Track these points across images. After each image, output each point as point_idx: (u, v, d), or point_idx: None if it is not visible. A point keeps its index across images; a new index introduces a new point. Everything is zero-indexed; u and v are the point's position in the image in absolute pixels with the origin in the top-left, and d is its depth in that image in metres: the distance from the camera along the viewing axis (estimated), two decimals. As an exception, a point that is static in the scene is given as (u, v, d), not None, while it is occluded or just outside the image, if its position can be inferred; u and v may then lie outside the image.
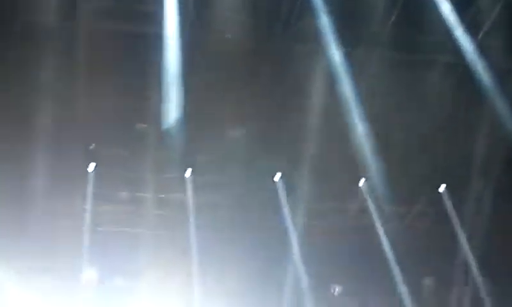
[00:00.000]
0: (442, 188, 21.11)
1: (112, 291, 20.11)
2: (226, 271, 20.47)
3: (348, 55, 18.48)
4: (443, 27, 18.22)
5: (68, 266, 19.56)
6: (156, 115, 18.00)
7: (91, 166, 19.63)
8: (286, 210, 20.57)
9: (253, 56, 18.87)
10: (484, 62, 18.11)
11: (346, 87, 18.56)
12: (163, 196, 20.44)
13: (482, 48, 18.30)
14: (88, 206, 19.61)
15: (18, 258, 18.03)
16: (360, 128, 18.88)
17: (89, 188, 19.63)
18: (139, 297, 19.87)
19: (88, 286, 20.01)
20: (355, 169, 20.34)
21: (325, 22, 18.05)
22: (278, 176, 20.62)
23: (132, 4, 17.99)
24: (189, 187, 20.24)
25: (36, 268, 19.07)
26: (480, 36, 18.65)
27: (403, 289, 20.43)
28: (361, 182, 21.05)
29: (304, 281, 20.42)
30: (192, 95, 18.02)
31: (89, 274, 20.23)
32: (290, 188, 20.72)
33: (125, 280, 20.36)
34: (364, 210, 21.05)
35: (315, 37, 18.27)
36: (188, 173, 20.29)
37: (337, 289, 21.44)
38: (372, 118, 18.82)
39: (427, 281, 21.54)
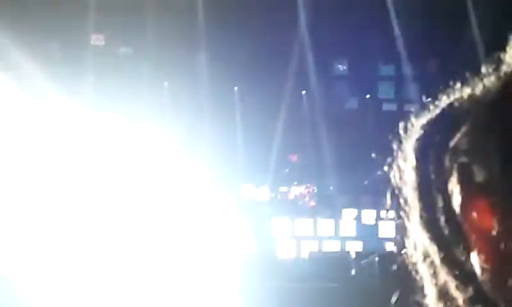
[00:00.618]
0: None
1: (117, 59, 20.20)
2: (234, 50, 20.32)
3: None
4: None
5: (75, 32, 19.52)
6: None
7: None
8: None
9: None
10: None
11: None
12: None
13: None
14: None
15: (23, 27, 17.87)
16: None
17: None
18: (143, 65, 19.96)
19: (94, 53, 20.08)
20: None
21: None
22: None
23: None
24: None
25: (43, 36, 19.03)
26: None
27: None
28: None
29: (310, 59, 20.38)
30: None
31: (96, 40, 20.25)
32: None
33: (129, 48, 20.42)
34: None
35: None
36: None
37: (341, 67, 21.33)
38: None
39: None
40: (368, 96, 21.37)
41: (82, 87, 18.88)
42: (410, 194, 0.92)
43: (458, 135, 0.90)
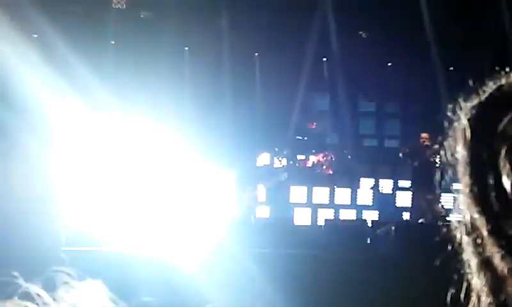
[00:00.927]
0: None
1: (139, 22, 20.19)
2: (255, 16, 20.30)
3: None
4: None
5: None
6: None
7: None
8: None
9: None
10: None
11: None
12: None
13: None
14: None
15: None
16: None
17: None
18: (164, 29, 19.92)
19: (115, 16, 20.07)
20: None
21: None
22: None
23: None
24: None
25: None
26: None
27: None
28: None
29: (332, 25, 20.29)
30: None
31: (117, 3, 20.22)
32: None
33: (151, 12, 20.40)
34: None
35: None
36: None
37: (364, 34, 21.20)
38: None
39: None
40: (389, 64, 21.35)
41: (103, 50, 18.92)
42: (461, 170, 0.95)
43: (507, 118, 0.93)
